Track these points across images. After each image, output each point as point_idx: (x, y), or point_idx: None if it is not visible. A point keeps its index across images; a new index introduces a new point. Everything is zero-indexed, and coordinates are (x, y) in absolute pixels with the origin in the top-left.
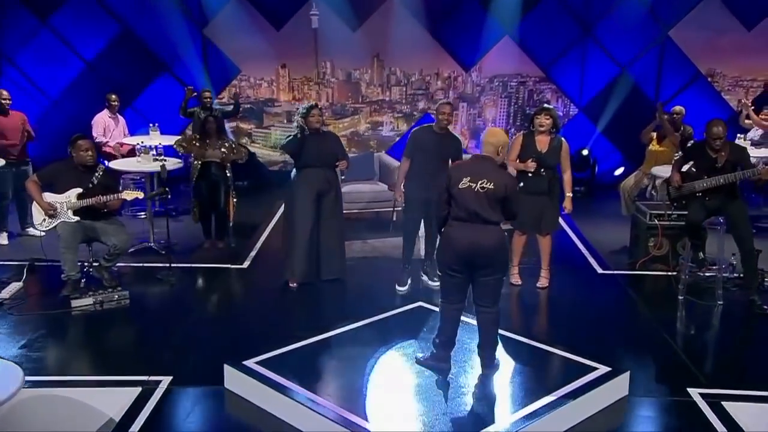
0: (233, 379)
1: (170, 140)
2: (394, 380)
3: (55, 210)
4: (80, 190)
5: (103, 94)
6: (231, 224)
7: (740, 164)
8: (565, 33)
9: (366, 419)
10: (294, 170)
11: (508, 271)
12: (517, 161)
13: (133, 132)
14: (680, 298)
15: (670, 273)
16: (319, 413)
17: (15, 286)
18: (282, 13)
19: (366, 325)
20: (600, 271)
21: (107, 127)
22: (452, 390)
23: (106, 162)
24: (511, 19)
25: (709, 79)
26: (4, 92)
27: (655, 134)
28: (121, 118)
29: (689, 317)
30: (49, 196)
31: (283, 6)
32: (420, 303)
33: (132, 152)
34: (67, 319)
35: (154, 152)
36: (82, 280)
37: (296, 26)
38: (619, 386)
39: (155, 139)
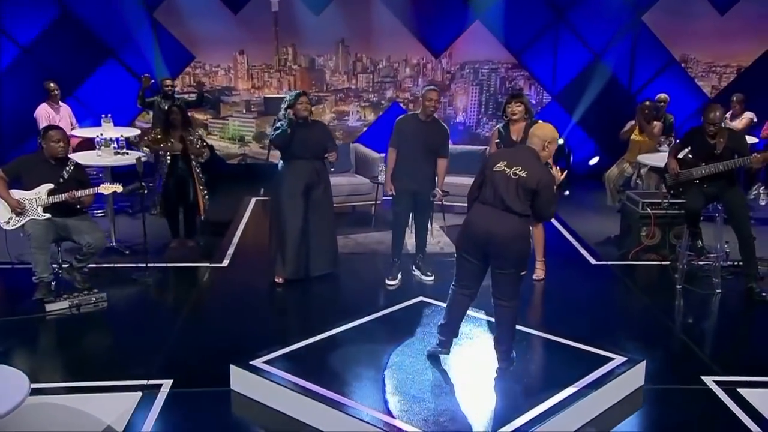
0: (240, 380)
1: (125, 132)
2: (412, 376)
3: (23, 207)
4: (51, 185)
5: (41, 82)
6: (202, 220)
7: (738, 151)
8: (537, 18)
9: (390, 415)
10: (281, 162)
11: (526, 266)
12: None
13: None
14: (678, 287)
15: (663, 262)
16: (340, 410)
17: None
18: None
19: (370, 321)
20: (594, 262)
21: (51, 119)
22: (470, 384)
23: None
24: (481, 3)
25: (683, 65)
26: None
27: (634, 126)
28: (64, 106)
29: (690, 306)
30: (16, 193)
31: None
32: (421, 298)
33: (82, 145)
34: (42, 324)
35: (116, 145)
36: (52, 283)
37: (255, 9)
38: (637, 376)
39: (108, 131)
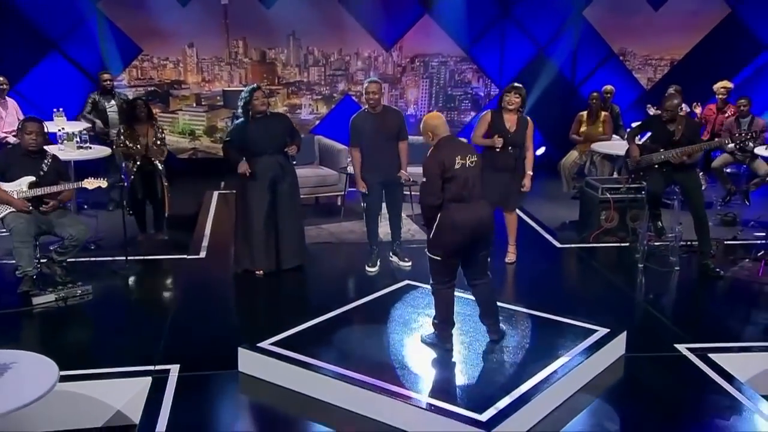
0: (248, 362)
1: (77, 127)
2: (411, 351)
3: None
4: (33, 178)
5: None
6: (167, 215)
7: (695, 138)
8: (484, 13)
9: (398, 385)
10: (244, 158)
11: None
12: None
13: None
14: (640, 266)
15: (622, 244)
16: (349, 383)
17: None
18: None
19: (362, 304)
20: (558, 245)
21: None
22: (469, 358)
23: None
24: None
25: (621, 58)
26: None
27: (585, 114)
28: (11, 101)
29: (652, 282)
30: None
31: None
32: (406, 281)
33: None
34: (31, 317)
35: (78, 139)
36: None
37: (204, 2)
38: (618, 345)
39: (61, 125)
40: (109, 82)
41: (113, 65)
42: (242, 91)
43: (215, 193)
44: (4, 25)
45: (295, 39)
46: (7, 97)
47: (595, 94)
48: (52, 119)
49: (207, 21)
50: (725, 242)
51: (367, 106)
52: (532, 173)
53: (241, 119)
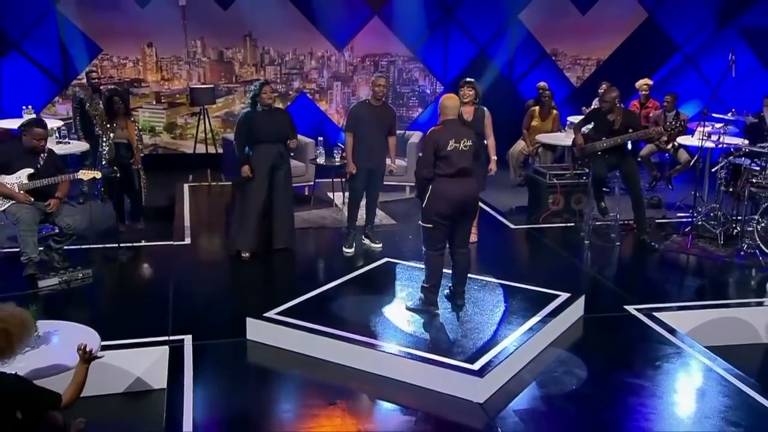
0: (256, 330)
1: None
2: (401, 315)
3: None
4: (31, 170)
5: None
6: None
7: (633, 127)
8: (429, 15)
9: (401, 344)
10: (247, 147)
11: None
12: None
13: None
14: (586, 242)
15: (568, 224)
16: (350, 343)
17: None
18: None
19: (349, 279)
20: (512, 226)
21: None
22: (454, 320)
23: None
24: (378, 1)
25: (554, 58)
26: None
27: (537, 110)
28: None
29: (598, 255)
30: None
31: None
32: (386, 259)
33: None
34: (38, 298)
35: (57, 134)
36: None
37: (162, 3)
38: (578, 308)
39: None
40: (97, 80)
41: (73, 65)
42: (250, 84)
43: (185, 186)
44: None
45: (251, 39)
46: None
47: (547, 92)
48: (21, 116)
49: (166, 21)
50: (656, 221)
51: (370, 98)
52: (496, 158)
53: (248, 109)
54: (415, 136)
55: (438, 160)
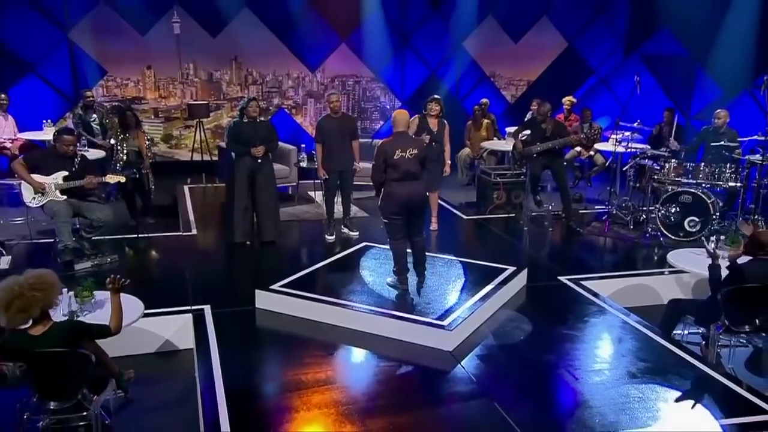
0: (264, 300)
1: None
2: (384, 289)
3: (44, 189)
4: (66, 173)
5: None
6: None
7: (560, 134)
8: (389, 42)
9: (386, 308)
10: (248, 149)
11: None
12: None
13: None
14: (525, 228)
15: (509, 215)
16: (345, 308)
17: (6, 260)
18: (146, 20)
19: (335, 260)
20: (465, 217)
21: (1, 125)
22: (424, 291)
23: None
24: (345, 29)
25: (492, 79)
26: None
27: (471, 123)
28: (10, 117)
29: (535, 239)
30: (37, 177)
31: (146, 14)
32: (364, 243)
33: (25, 147)
34: (75, 278)
35: (78, 144)
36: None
37: (160, 32)
38: (522, 278)
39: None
40: (91, 99)
41: (82, 85)
42: (242, 99)
43: (185, 187)
44: None
45: (236, 62)
46: (7, 113)
47: (476, 107)
48: (42, 129)
49: (163, 47)
50: (580, 211)
51: (330, 111)
52: (450, 162)
53: (236, 119)
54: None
55: (388, 167)
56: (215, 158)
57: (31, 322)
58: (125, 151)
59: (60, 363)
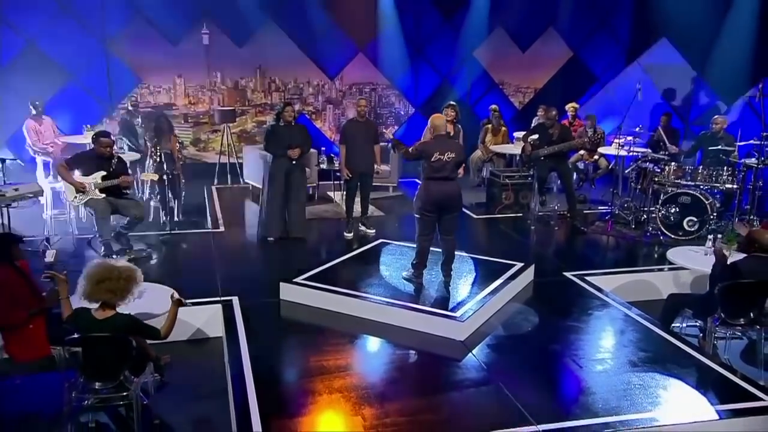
0: (288, 292)
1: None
2: (399, 281)
3: (84, 188)
4: (104, 172)
5: (14, 101)
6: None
7: (566, 139)
8: (403, 52)
9: (402, 300)
10: (284, 151)
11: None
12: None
13: None
14: (532, 227)
15: (517, 214)
16: (363, 299)
17: (51, 253)
18: (177, 32)
19: (354, 255)
20: (475, 217)
21: (38, 131)
22: (439, 285)
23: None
24: (363, 39)
25: (501, 87)
26: None
27: (490, 128)
28: (47, 119)
29: (542, 237)
30: (78, 177)
31: (177, 26)
32: (381, 240)
33: (65, 150)
34: None
35: (116, 147)
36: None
37: (190, 43)
38: (529, 274)
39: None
40: (135, 103)
41: (118, 92)
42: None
43: (213, 187)
44: (33, 60)
45: (261, 71)
46: (43, 116)
47: (495, 114)
48: (82, 133)
49: (192, 57)
50: (584, 212)
51: (356, 115)
52: (464, 164)
53: (273, 122)
54: None
55: (427, 165)
56: (240, 160)
57: (99, 304)
58: (159, 154)
59: (110, 346)
